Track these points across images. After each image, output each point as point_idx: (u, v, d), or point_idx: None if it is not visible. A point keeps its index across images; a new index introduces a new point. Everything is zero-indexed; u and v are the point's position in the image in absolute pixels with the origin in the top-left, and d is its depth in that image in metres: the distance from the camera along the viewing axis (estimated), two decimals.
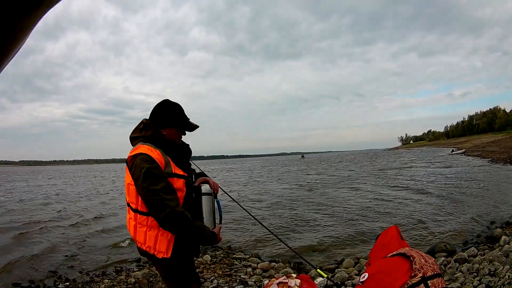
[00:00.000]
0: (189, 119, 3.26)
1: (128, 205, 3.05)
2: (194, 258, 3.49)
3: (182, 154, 3.21)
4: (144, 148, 2.91)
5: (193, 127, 3.28)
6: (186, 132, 3.29)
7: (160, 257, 2.94)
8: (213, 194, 3.20)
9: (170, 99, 3.24)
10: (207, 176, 3.48)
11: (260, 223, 4.29)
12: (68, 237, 12.38)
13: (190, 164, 3.36)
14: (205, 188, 3.15)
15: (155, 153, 2.89)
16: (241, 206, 4.39)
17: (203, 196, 3.11)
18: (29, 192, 31.63)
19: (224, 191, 4.09)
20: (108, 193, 28.47)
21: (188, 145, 3.36)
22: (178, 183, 2.96)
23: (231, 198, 4.40)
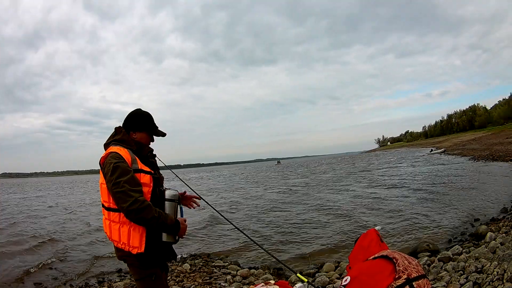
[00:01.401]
0: (158, 127, 3.60)
1: (103, 205, 3.22)
2: (169, 268, 3.45)
3: (148, 154, 3.49)
4: (114, 148, 3.20)
5: (160, 134, 3.62)
6: (154, 138, 3.62)
7: (135, 253, 3.06)
8: (177, 200, 3.35)
9: (145, 108, 3.60)
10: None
11: (237, 228, 4.30)
12: (52, 248, 12.35)
13: (157, 166, 3.61)
14: (168, 193, 3.31)
15: (123, 151, 3.17)
16: (217, 211, 4.49)
17: (166, 202, 3.27)
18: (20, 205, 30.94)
19: (200, 197, 4.14)
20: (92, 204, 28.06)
21: (152, 149, 3.61)
22: (145, 178, 3.16)
23: (208, 204, 4.48)
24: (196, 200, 3.89)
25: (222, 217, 4.37)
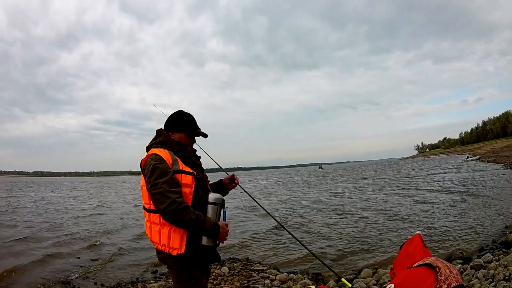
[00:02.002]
0: (199, 128, 3.55)
1: (144, 207, 3.25)
2: (211, 270, 3.58)
3: (191, 155, 3.44)
4: (154, 150, 3.21)
5: (201, 134, 3.55)
6: (196, 139, 3.57)
7: (175, 254, 3.06)
8: (220, 204, 3.30)
9: (187, 111, 3.57)
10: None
11: (285, 228, 4.37)
12: (83, 247, 12.44)
13: (202, 168, 3.54)
14: (211, 197, 3.28)
15: (163, 153, 3.16)
16: (262, 207, 4.44)
17: (208, 205, 3.23)
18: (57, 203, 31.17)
19: (258, 203, 4.39)
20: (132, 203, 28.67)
21: (195, 150, 3.58)
22: (187, 179, 3.14)
23: (265, 210, 4.59)
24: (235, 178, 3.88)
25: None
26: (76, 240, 13.75)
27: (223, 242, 3.26)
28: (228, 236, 3.29)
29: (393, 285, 2.61)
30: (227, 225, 3.24)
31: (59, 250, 11.91)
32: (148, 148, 3.42)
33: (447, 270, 2.43)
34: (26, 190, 56.60)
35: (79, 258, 10.94)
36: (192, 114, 3.55)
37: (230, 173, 3.94)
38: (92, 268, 9.94)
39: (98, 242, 13.24)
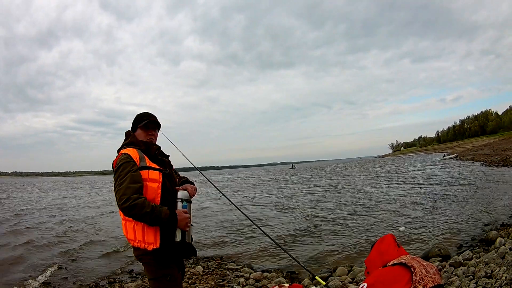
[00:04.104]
0: (148, 120, 3.64)
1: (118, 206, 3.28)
2: (186, 268, 3.53)
3: (157, 152, 3.60)
4: (123, 150, 3.39)
5: (147, 119, 3.63)
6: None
7: (151, 249, 3.15)
8: (186, 200, 3.43)
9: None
10: (191, 183, 3.82)
11: (259, 227, 4.35)
12: (62, 248, 12.39)
13: (170, 164, 3.73)
14: (181, 194, 3.42)
15: (131, 151, 3.34)
16: (243, 213, 4.43)
17: (177, 201, 3.37)
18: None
19: (229, 199, 4.47)
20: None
21: (160, 147, 3.72)
22: (154, 174, 3.30)
23: (235, 205, 4.59)
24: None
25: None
26: (53, 239, 13.85)
27: (185, 230, 3.27)
28: (190, 223, 3.37)
29: (366, 285, 2.54)
30: (185, 212, 3.32)
31: (38, 250, 12.05)
32: (119, 150, 3.53)
33: (423, 270, 2.34)
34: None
35: (57, 258, 10.98)
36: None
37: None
38: (70, 268, 10.03)
39: (76, 242, 13.30)
